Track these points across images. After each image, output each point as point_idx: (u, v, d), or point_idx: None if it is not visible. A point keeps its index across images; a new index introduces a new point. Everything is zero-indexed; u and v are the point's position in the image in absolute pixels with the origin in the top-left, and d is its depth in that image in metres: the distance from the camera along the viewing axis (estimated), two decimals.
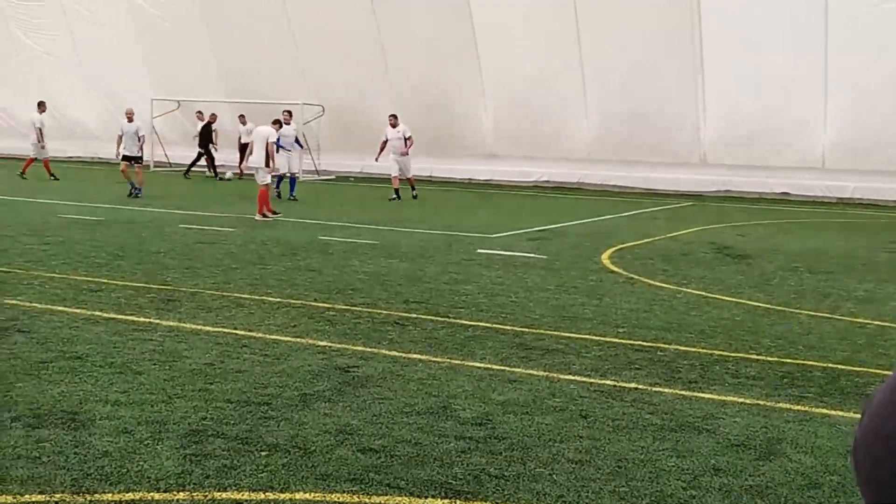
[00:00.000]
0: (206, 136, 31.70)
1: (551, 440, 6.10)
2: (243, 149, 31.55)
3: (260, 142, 19.56)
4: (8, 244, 14.24)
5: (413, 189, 24.59)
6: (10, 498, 4.97)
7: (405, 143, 24.38)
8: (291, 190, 23.72)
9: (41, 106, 30.18)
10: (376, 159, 25.32)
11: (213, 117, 31.93)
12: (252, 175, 19.96)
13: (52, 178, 27.90)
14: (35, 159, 29.06)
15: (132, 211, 19.66)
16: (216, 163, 31.69)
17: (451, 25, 29.50)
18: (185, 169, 31.36)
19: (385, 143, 24.80)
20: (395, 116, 24.91)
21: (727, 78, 26.91)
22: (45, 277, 11.51)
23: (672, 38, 27.08)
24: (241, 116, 31.52)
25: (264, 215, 18.67)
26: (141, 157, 24.41)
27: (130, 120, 24.33)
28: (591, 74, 28.48)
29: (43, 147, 29.23)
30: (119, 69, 35.27)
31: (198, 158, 31.61)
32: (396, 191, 24.24)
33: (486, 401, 6.90)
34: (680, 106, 27.73)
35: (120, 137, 24.11)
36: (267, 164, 19.34)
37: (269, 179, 19.71)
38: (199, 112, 32.75)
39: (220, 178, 30.52)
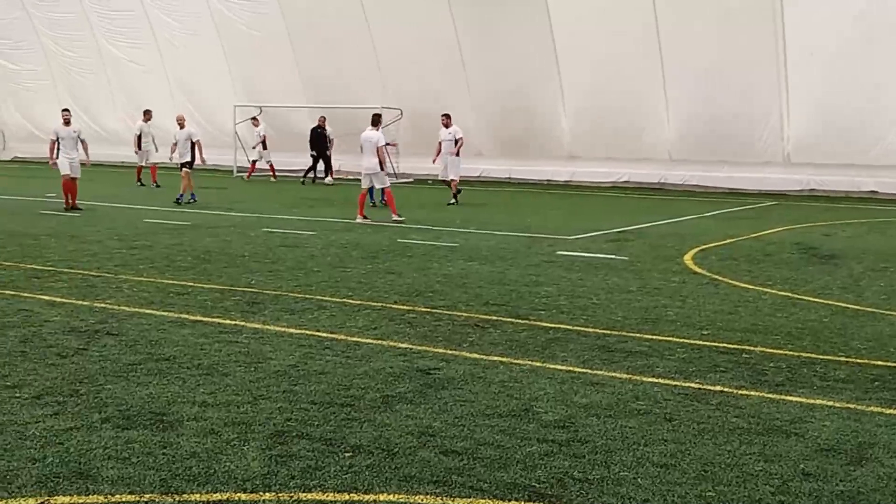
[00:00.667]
0: (319, 140, 31.08)
1: (635, 443, 6.03)
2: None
3: (370, 147, 19.39)
4: (97, 249, 14.60)
5: (455, 196, 23.67)
6: (101, 498, 5.07)
7: (455, 143, 23.81)
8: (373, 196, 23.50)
9: (146, 114, 30.12)
10: (433, 161, 24.91)
11: (323, 120, 31.47)
12: (354, 180, 20.15)
13: (140, 184, 28.50)
14: (156, 165, 29.42)
15: (216, 216, 19.99)
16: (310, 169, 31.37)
17: (529, 28, 29.44)
18: (324, 175, 31.29)
19: (440, 144, 24.40)
20: (447, 116, 24.45)
21: (811, 75, 26.38)
22: (133, 281, 11.78)
23: (754, 36, 26.63)
24: (322, 118, 31.78)
25: (365, 217, 19.06)
26: (191, 163, 23.75)
27: (182, 126, 24.08)
28: (672, 73, 28.16)
29: (146, 152, 29.33)
30: (203, 77, 35.98)
31: (323, 163, 31.41)
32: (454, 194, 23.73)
33: (568, 403, 6.85)
34: (763, 104, 27.25)
35: (174, 145, 23.80)
36: (382, 168, 19.48)
37: (388, 183, 19.96)
38: (254, 118, 32.70)
39: (303, 183, 30.62)
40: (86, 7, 37.30)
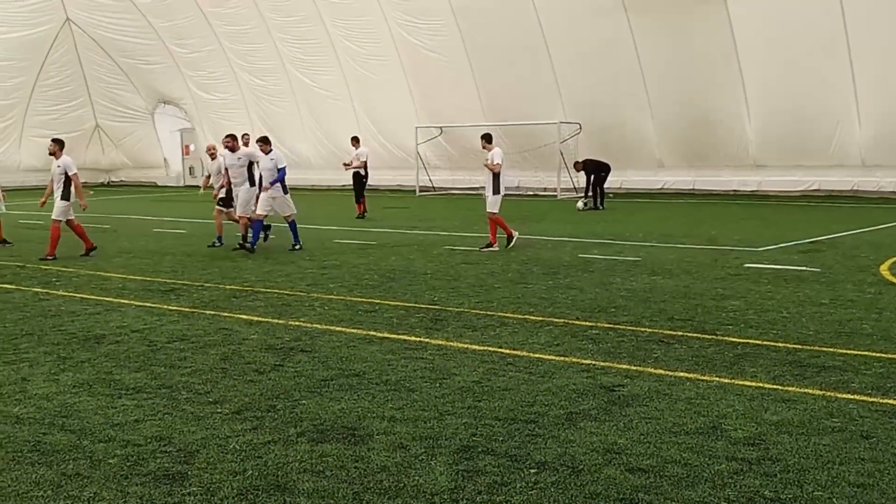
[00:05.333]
0: (594, 167, 27.79)
1: (830, 462, 5.82)
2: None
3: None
4: (291, 269, 15.21)
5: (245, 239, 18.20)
6: None
7: (277, 172, 17.87)
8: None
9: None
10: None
11: (580, 165, 28.19)
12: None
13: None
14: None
15: (400, 234, 20.47)
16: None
17: (709, 33, 28.85)
18: (593, 201, 27.37)
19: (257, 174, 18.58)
20: (264, 140, 18.42)
21: None
22: (324, 299, 12.22)
23: None
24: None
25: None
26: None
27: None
28: (862, 72, 26.96)
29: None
30: (386, 99, 36.94)
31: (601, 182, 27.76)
32: (244, 236, 18.24)
33: (758, 421, 6.68)
34: None
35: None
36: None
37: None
38: (577, 163, 28.72)
39: (596, 208, 27.05)
40: (275, 37, 39.00)
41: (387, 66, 36.36)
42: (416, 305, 11.64)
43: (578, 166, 28.05)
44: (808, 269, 13.98)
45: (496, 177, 17.14)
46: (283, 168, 17.83)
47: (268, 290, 13.09)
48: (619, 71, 30.91)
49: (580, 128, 31.78)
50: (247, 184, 18.20)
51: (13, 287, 13.97)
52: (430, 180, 35.78)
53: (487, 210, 17.38)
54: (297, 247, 17.82)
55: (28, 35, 42.09)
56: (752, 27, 28.20)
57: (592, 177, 27.44)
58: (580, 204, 27.42)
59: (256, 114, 41.56)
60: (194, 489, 5.58)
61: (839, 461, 5.84)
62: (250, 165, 18.27)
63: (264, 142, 18.30)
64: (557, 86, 32.56)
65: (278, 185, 17.76)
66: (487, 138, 17.85)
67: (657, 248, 17.02)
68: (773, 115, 28.88)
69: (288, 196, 18.09)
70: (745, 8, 28.08)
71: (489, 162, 17.16)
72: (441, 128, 35.01)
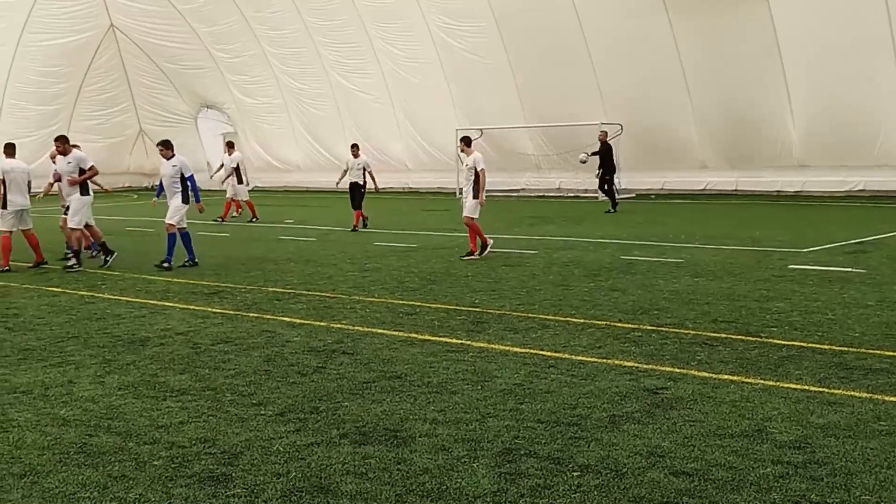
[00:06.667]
0: (607, 157, 27.68)
1: (877, 466, 5.74)
2: None
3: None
4: (333, 272, 15.28)
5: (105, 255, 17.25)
6: None
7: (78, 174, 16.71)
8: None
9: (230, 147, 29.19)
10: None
11: (604, 135, 28.51)
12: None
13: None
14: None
15: (441, 237, 20.49)
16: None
17: (752, 35, 28.60)
18: (612, 202, 27.16)
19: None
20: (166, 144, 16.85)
21: None
22: (365, 302, 12.26)
23: None
24: (603, 133, 28.62)
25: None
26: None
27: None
28: None
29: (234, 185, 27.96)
30: (426, 102, 37.01)
31: (605, 183, 27.66)
32: (70, 247, 17.17)
33: (804, 424, 6.61)
34: None
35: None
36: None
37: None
38: (229, 143, 30.05)
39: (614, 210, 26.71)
40: (316, 41, 39.21)
41: (427, 69, 36.44)
42: (458, 308, 11.65)
43: (602, 136, 28.29)
44: (854, 270, 13.81)
45: (477, 181, 16.59)
46: (192, 175, 16.43)
47: (310, 293, 13.16)
48: (661, 71, 30.73)
49: (621, 128, 31.62)
50: (177, 197, 16.52)
51: (59, 290, 14.17)
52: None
53: (464, 215, 16.72)
54: (189, 262, 16.65)
55: (72, 41, 42.59)
56: (794, 26, 27.90)
57: (602, 170, 27.60)
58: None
59: (297, 117, 41.82)
60: (238, 490, 5.62)
61: (887, 465, 5.76)
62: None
63: (165, 146, 16.63)
64: (598, 86, 32.44)
65: (179, 194, 16.42)
66: (466, 141, 17.10)
67: (700, 249, 16.90)
68: (817, 115, 28.56)
69: (187, 207, 16.62)
70: (787, 7, 27.79)
71: (473, 167, 16.54)
72: (481, 130, 34.98)
